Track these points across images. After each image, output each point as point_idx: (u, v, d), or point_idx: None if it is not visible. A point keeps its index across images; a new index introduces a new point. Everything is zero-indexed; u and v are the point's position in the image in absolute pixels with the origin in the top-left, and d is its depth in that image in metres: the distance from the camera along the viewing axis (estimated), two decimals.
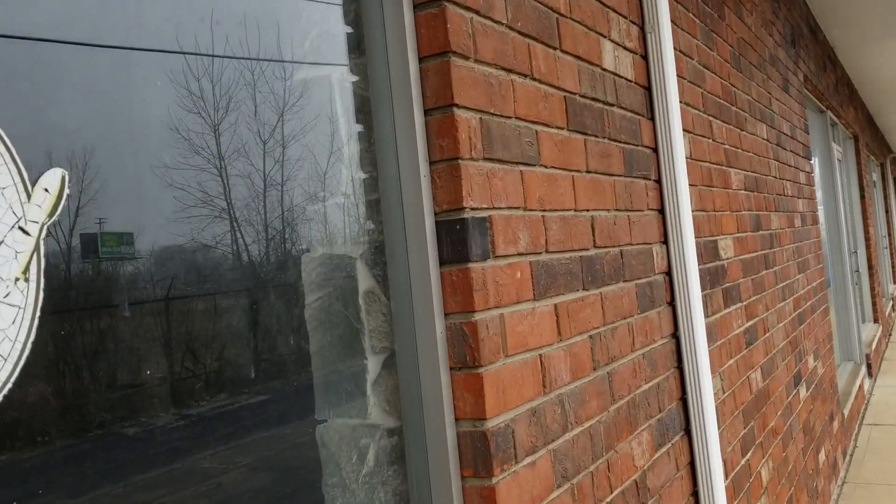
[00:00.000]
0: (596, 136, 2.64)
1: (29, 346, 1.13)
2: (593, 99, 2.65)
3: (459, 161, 1.92)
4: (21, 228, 1.15)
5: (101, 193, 1.37)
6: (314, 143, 2.11)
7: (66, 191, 1.22)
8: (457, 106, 1.94)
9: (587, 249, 2.48)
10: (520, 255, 2.10)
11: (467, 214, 1.92)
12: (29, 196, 1.17)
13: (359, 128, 2.08)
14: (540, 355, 2.14)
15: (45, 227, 1.18)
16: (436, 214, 1.95)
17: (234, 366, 2.04)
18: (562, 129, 2.41)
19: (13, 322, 1.11)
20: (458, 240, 1.92)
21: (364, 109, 2.06)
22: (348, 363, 2.13)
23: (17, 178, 1.16)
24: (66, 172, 1.23)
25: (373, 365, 2.07)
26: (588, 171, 2.55)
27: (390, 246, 2.01)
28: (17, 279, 1.13)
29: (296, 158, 1.99)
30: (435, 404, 1.93)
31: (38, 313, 1.15)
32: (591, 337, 2.44)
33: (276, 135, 1.92)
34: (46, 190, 1.19)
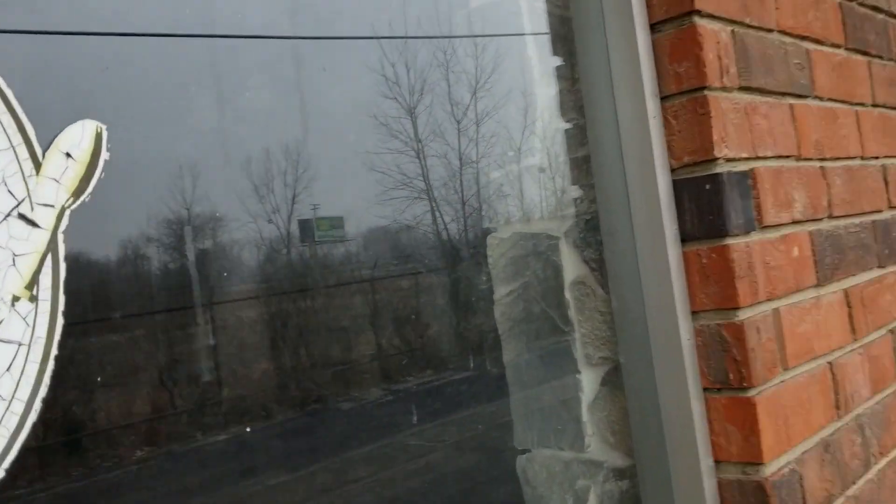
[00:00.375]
0: (881, 58, 1.93)
1: (38, 403, 0.69)
2: (874, 8, 1.94)
3: (706, 92, 1.33)
4: (24, 217, 0.71)
5: (314, 181, 1.50)
6: (500, 85, 1.60)
7: (105, 154, 0.77)
8: (699, 14, 1.35)
9: (880, 211, 1.79)
10: (795, 223, 1.47)
11: (721, 168, 1.33)
12: (38, 166, 0.73)
13: (556, 61, 1.54)
14: (829, 364, 1.50)
15: (68, 211, 0.74)
16: (673, 171, 1.37)
17: (439, 343, 2.04)
18: (838, 47, 1.73)
19: (8, 368, 0.67)
20: (708, 205, 1.33)
21: (563, 34, 1.51)
22: (554, 378, 1.61)
23: (18, 138, 0.72)
24: (103, 126, 0.78)
25: (588, 381, 1.53)
26: (874, 105, 1.85)
27: (607, 219, 1.45)
28: (15, 299, 0.69)
29: (484, 115, 1.67)
30: (683, 440, 1.36)
31: (53, 350, 0.71)
32: (892, 331, 1.76)
33: (467, 80, 1.74)
34: (69, 155, 0.74)
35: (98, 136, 0.77)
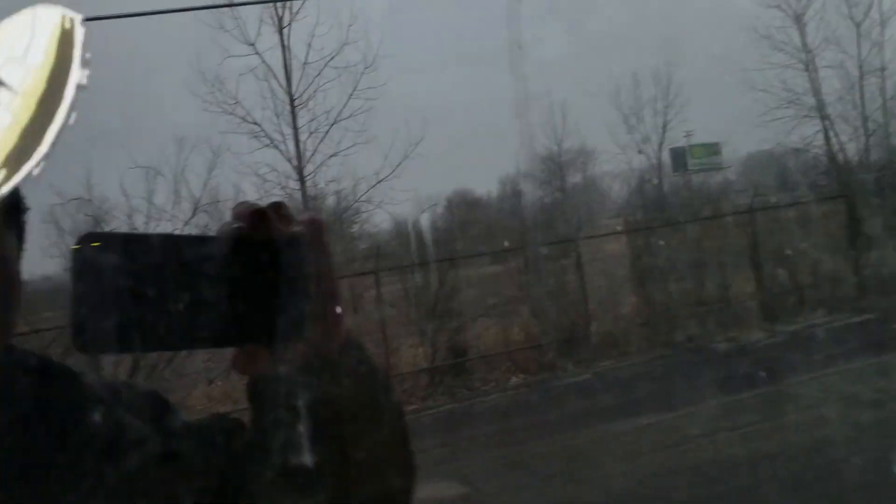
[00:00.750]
0: None
1: None
2: None
3: None
4: None
5: (686, 107, 3.95)
6: None
7: (80, 73, 0.41)
8: None
9: None
10: None
11: None
12: None
13: None
14: None
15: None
16: None
17: (832, 281, 1.92)
18: None
19: None
20: None
21: None
22: None
23: None
24: (75, 16, 0.42)
25: None
26: None
27: None
28: None
29: None
30: None
31: None
32: None
33: None
34: None
35: (65, 36, 0.41)
